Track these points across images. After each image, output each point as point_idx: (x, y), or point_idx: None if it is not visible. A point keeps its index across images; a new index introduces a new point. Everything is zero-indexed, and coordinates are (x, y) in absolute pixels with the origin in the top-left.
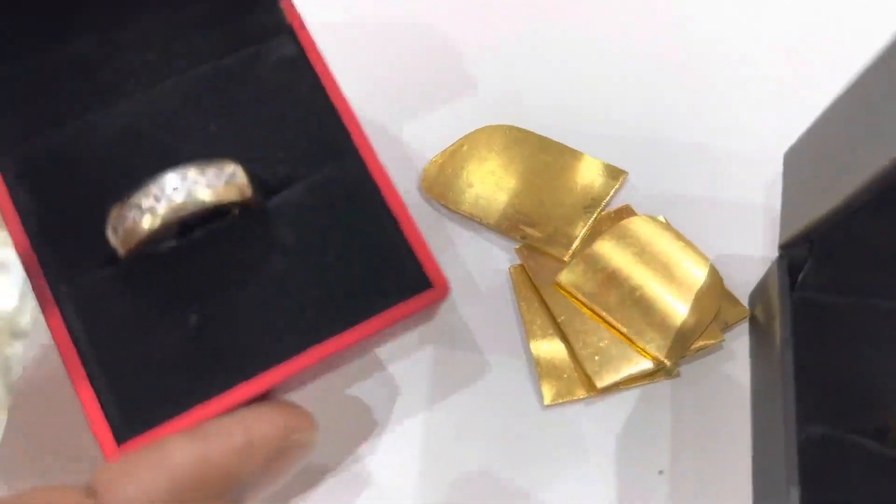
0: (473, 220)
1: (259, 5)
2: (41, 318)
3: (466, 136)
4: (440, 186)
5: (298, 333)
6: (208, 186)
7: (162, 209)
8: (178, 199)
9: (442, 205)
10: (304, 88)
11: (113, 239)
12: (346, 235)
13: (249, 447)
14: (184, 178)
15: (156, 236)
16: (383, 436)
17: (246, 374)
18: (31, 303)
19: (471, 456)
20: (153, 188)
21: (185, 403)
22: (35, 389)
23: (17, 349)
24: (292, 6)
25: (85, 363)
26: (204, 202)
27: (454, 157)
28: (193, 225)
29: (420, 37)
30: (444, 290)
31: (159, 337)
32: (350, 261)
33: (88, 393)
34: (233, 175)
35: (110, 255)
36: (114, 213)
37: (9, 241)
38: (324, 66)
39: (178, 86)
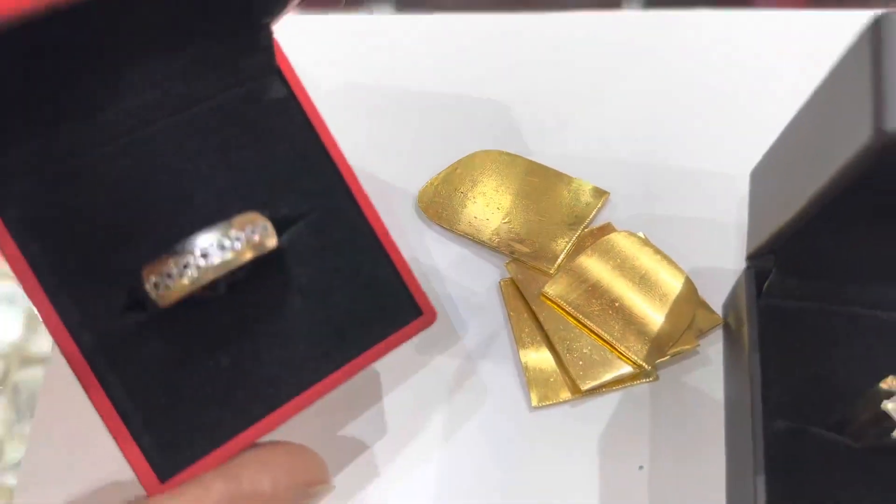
0: (467, 238)
1: (254, 47)
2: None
3: (460, 161)
4: (435, 207)
5: (315, 364)
6: (245, 245)
7: (204, 269)
8: (218, 259)
9: (437, 224)
10: (294, 129)
11: (153, 294)
12: (348, 274)
13: (274, 496)
14: (224, 237)
15: (195, 292)
16: (381, 435)
17: (272, 405)
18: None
19: (464, 454)
20: (194, 247)
21: (220, 437)
22: (56, 415)
23: (28, 374)
24: (280, 48)
25: (119, 408)
26: (242, 261)
27: (448, 179)
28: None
29: (417, 70)
30: (432, 317)
31: (192, 378)
32: (353, 296)
33: (127, 439)
34: (264, 230)
35: (133, 302)
36: (154, 269)
37: (10, 274)
38: (312, 106)
39: (177, 126)
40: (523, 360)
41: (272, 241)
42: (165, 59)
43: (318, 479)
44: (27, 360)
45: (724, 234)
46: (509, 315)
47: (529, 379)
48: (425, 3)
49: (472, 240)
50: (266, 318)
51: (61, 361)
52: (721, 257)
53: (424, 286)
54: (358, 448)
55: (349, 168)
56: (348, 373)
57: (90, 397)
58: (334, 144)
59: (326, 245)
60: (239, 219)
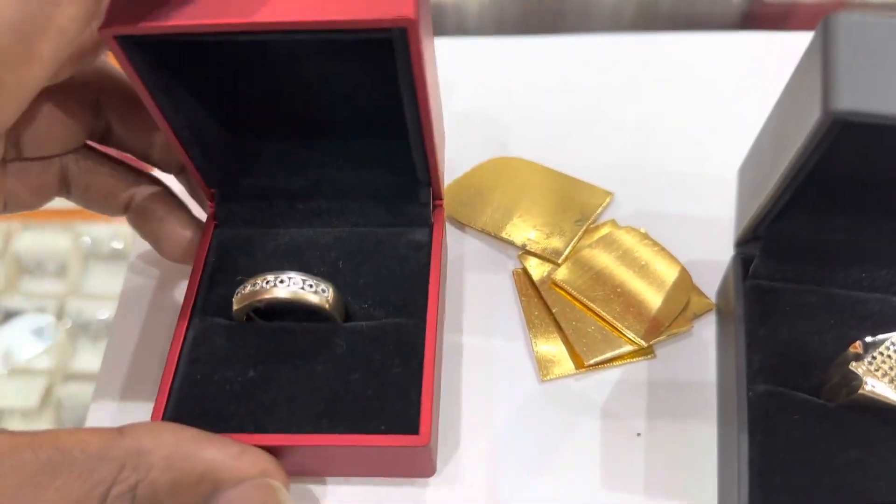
0: (485, 233)
1: (416, 202)
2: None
3: (479, 165)
4: (456, 205)
5: (306, 418)
6: (306, 290)
7: (271, 291)
8: (286, 289)
9: (457, 220)
10: (416, 264)
11: (234, 298)
12: (378, 371)
13: (236, 462)
14: (294, 278)
15: (258, 306)
16: None
17: (260, 426)
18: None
19: (480, 422)
20: (276, 276)
21: (220, 427)
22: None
23: (73, 389)
24: (442, 213)
25: (176, 371)
26: (299, 299)
27: (469, 182)
28: (290, 310)
29: (445, 87)
30: (426, 440)
31: (226, 372)
32: (371, 387)
33: (165, 390)
34: (325, 291)
35: (227, 309)
36: (243, 284)
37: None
38: (439, 253)
39: (341, 233)
40: (533, 339)
41: (327, 302)
42: (353, 185)
43: (275, 475)
44: (71, 376)
45: (718, 228)
46: (521, 300)
47: (539, 355)
48: (450, 30)
49: (490, 234)
50: (295, 363)
51: (109, 377)
52: (715, 250)
53: (446, 277)
54: None
55: (436, 305)
56: (326, 441)
57: (171, 347)
58: (437, 283)
59: (378, 341)
60: (311, 276)
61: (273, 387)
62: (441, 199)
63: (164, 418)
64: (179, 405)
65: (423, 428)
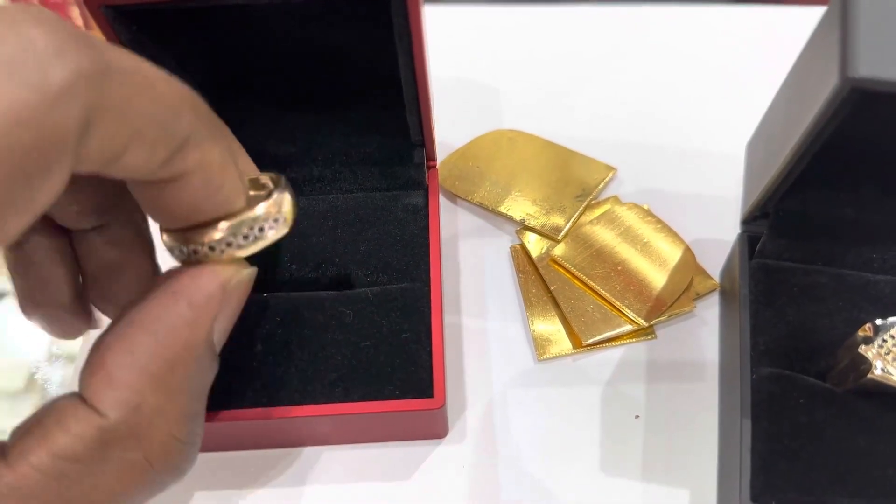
0: (482, 208)
1: (410, 164)
2: None
3: (479, 138)
4: (453, 178)
5: (321, 387)
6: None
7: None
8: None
9: (454, 194)
10: (415, 228)
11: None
12: (388, 334)
13: (198, 314)
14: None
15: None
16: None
17: (272, 399)
18: None
19: (475, 402)
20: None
21: (227, 402)
22: None
23: (56, 370)
24: (436, 174)
25: None
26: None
27: (466, 154)
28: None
29: (440, 56)
30: (440, 402)
31: (229, 349)
32: (382, 353)
33: None
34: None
35: None
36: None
37: None
38: (437, 217)
39: (335, 199)
40: (530, 317)
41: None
42: (345, 150)
43: (232, 276)
44: (54, 357)
45: (724, 207)
46: (518, 277)
47: (535, 334)
48: None
49: (487, 209)
50: (303, 334)
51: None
52: (720, 229)
53: (442, 251)
54: None
55: (439, 265)
56: (340, 411)
57: None
58: (438, 246)
59: (384, 308)
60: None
61: (283, 360)
62: (434, 160)
63: None
64: None
65: (436, 391)
